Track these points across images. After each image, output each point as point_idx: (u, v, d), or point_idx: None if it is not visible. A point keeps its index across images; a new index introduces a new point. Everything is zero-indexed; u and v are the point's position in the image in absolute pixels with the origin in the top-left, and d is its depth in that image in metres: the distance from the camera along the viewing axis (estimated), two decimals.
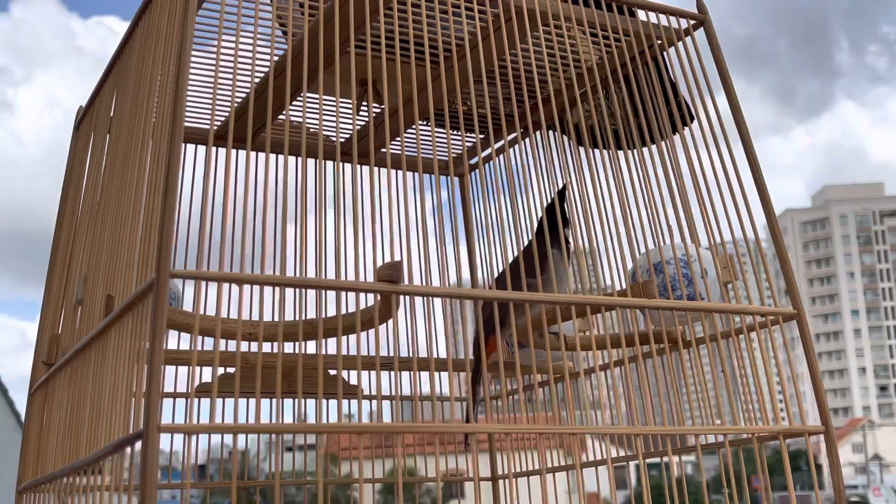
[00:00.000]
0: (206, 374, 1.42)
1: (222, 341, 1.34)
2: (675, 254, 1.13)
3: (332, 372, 1.40)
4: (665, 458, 1.30)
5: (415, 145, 1.63)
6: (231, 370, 1.31)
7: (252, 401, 0.88)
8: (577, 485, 0.99)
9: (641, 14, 1.25)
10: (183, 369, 1.42)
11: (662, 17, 1.24)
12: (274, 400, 0.87)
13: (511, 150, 1.57)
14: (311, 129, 1.50)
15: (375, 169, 0.99)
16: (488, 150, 1.65)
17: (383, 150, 1.56)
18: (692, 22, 1.25)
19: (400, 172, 1.61)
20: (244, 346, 1.36)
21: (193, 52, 1.28)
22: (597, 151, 1.25)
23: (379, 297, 0.98)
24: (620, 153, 1.22)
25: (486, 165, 1.66)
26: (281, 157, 1.37)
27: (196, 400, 1.36)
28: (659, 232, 1.17)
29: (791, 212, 71.70)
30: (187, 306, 1.35)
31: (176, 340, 1.32)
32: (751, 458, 1.15)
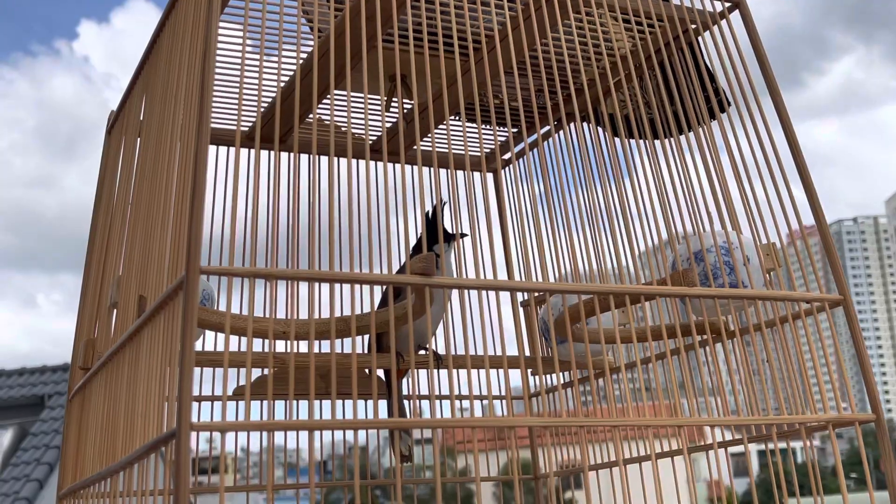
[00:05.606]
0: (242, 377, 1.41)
1: (257, 342, 1.33)
2: (715, 241, 1.10)
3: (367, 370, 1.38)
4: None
5: (446, 141, 1.61)
6: (267, 372, 1.30)
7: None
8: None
9: None
10: (219, 371, 1.41)
11: (697, 1, 1.21)
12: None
13: (545, 143, 1.54)
14: (341, 128, 1.48)
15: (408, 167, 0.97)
16: (521, 145, 1.62)
17: (414, 147, 1.54)
18: (727, 5, 1.22)
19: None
20: (279, 345, 1.35)
21: (220, 53, 1.27)
22: (632, 141, 1.22)
23: (413, 291, 0.96)
24: (657, 142, 1.19)
25: (521, 160, 1.63)
26: (309, 155, 1.36)
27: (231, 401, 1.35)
28: (698, 220, 1.14)
29: None
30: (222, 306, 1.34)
31: (213, 342, 1.31)
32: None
